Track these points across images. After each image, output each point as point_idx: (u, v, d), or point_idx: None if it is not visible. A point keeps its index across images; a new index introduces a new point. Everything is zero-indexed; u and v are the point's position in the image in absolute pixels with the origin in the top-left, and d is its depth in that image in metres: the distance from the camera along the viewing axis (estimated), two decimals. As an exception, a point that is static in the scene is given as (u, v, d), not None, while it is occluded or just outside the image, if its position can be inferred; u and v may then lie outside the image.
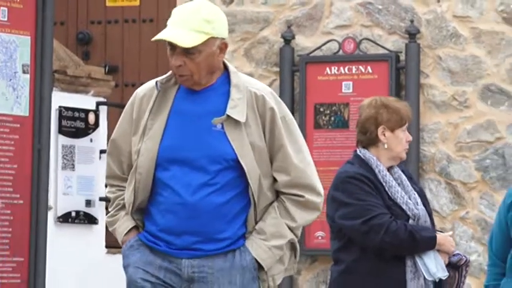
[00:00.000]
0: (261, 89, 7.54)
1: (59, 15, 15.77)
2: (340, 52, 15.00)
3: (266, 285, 7.59)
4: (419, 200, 9.57)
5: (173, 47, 7.23)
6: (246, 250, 7.46)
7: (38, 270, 12.64)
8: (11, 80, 12.47)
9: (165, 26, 8.75)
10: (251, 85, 7.58)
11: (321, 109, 15.05)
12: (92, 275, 13.04)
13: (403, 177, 9.75)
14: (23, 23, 12.53)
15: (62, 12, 15.63)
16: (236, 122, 7.35)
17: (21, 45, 12.66)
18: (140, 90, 7.61)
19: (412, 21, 14.78)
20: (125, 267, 7.67)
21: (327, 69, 15.05)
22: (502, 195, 11.16)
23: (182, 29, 7.41)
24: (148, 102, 7.60)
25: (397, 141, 9.55)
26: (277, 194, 7.46)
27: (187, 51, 7.28)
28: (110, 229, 7.72)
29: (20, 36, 12.58)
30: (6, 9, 12.26)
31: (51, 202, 13.75)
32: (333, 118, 14.96)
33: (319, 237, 14.63)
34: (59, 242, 12.43)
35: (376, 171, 9.45)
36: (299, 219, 7.39)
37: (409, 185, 9.70)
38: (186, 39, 7.28)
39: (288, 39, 15.08)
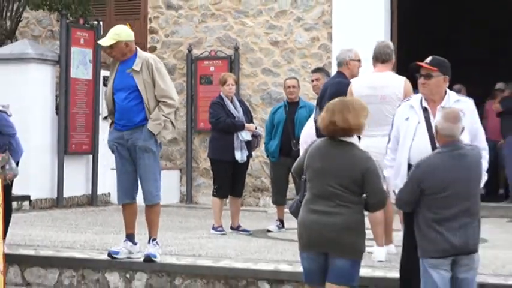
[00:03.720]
0: (148, 56, 8.30)
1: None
2: (209, 55, 14.88)
3: (159, 140, 8.22)
4: (241, 111, 10.81)
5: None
6: (146, 126, 8.03)
7: (95, 139, 13.68)
8: (85, 65, 13.47)
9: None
10: (146, 55, 8.34)
11: (202, 77, 14.94)
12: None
13: (237, 103, 10.90)
14: (89, 44, 13.56)
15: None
16: (137, 71, 8.03)
17: (88, 53, 13.59)
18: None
19: (236, 43, 14.68)
20: (108, 140, 8.44)
21: (205, 62, 14.96)
22: (269, 109, 12.51)
23: (107, 38, 8.14)
24: (111, 67, 8.48)
25: (223, 89, 10.77)
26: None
27: (110, 47, 8.11)
28: None
29: (87, 49, 13.58)
30: (83, 38, 13.38)
31: (100, 111, 13.69)
32: (206, 80, 14.89)
33: (202, 124, 14.58)
34: (105, 127, 11.34)
35: (224, 101, 10.73)
36: (165, 110, 8.05)
37: (239, 105, 10.88)
38: (105, 42, 8.16)
39: (189, 50, 14.81)
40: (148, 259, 8.12)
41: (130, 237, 8.37)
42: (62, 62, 13.38)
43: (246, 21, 14.79)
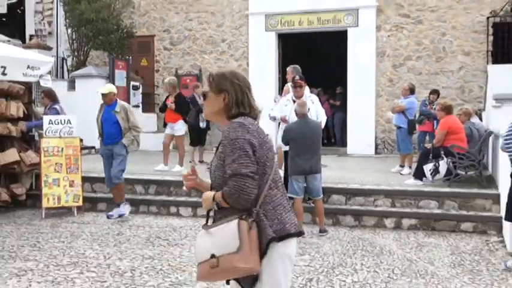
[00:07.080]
0: (124, 103, 7.15)
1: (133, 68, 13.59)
2: (186, 74, 13.57)
3: (129, 150, 7.04)
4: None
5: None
6: (121, 141, 6.97)
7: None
8: (122, 79, 12.28)
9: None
10: (122, 103, 7.14)
11: (183, 85, 12.98)
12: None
13: (202, 98, 10.22)
14: (124, 68, 12.35)
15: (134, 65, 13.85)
16: (117, 112, 6.95)
17: (123, 73, 12.43)
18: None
19: (200, 67, 13.33)
20: (100, 150, 7.26)
21: (184, 77, 13.45)
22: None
23: (103, 89, 7.06)
24: (100, 108, 7.16)
25: (196, 91, 9.69)
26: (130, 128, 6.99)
27: (104, 95, 6.98)
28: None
29: (123, 71, 12.41)
30: (121, 65, 11.84)
31: (130, 102, 12.41)
32: (185, 86, 12.73)
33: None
34: (134, 110, 10.60)
35: (195, 97, 9.53)
36: (134, 133, 6.98)
37: (203, 100, 10.25)
38: (102, 90, 7.00)
39: (176, 71, 13.49)
40: (119, 217, 7.17)
41: (117, 204, 7.30)
42: (111, 78, 12.82)
43: (205, 56, 13.90)
